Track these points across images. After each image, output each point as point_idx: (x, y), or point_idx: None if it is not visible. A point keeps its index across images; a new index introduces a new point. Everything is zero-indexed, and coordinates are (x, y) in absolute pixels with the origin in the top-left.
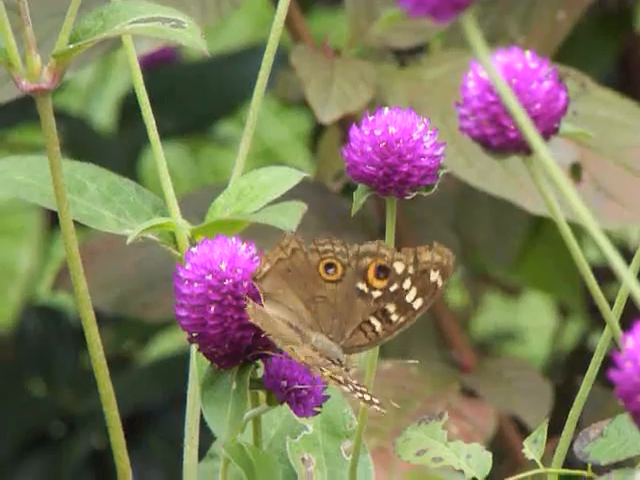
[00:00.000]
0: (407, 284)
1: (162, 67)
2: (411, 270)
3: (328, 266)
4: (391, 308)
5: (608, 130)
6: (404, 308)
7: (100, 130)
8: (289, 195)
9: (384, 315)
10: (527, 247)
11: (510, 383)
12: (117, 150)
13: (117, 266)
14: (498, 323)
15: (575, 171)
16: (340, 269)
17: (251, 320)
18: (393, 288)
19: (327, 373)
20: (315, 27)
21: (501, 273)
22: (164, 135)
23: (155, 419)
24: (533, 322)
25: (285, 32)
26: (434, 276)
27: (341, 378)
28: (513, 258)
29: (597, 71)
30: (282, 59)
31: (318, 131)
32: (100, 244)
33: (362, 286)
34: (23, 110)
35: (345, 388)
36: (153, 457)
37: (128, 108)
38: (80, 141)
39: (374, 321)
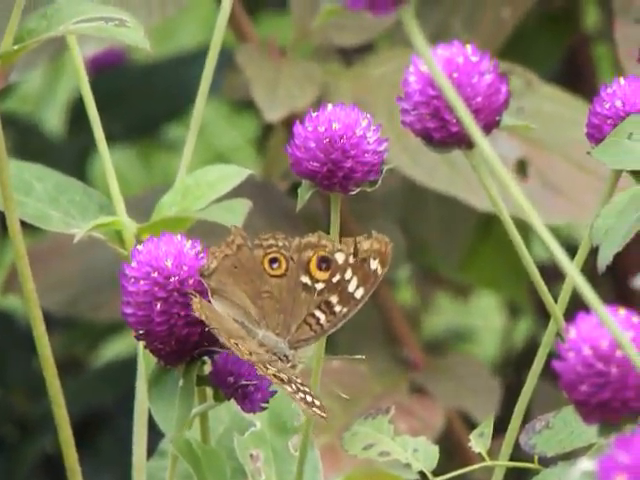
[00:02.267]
0: (349, 274)
1: (110, 71)
2: (352, 260)
3: (272, 261)
4: (334, 299)
5: (554, 126)
6: (347, 298)
7: (50, 135)
8: (236, 195)
9: (328, 307)
10: (475, 246)
11: (459, 380)
12: (66, 154)
13: (66, 268)
14: (449, 323)
15: (521, 167)
16: (284, 263)
17: (196, 314)
18: (335, 279)
19: (271, 371)
20: (262, 31)
21: (449, 272)
22: (113, 139)
23: (107, 422)
24: (484, 322)
25: (232, 35)
26: (374, 264)
27: (285, 376)
28: (461, 257)
29: (544, 69)
30: (230, 62)
31: (266, 133)
32: (49, 246)
33: (305, 279)
34: None
35: (288, 388)
36: (105, 459)
37: (77, 113)
38: (30, 146)
39: (318, 313)
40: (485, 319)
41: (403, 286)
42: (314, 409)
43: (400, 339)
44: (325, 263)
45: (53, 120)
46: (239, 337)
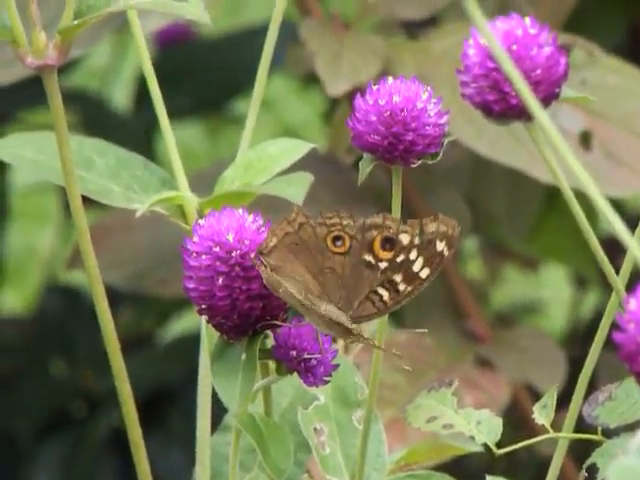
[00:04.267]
0: (413, 254)
1: (179, 45)
2: (417, 241)
3: (336, 239)
4: (398, 278)
5: (617, 98)
6: (411, 278)
7: (117, 110)
8: (301, 169)
9: (391, 285)
10: (543, 218)
11: (525, 352)
12: (134, 129)
13: (132, 243)
14: (518, 296)
15: (585, 139)
16: (348, 241)
17: (266, 282)
18: (399, 259)
19: (354, 327)
20: (327, 5)
21: (517, 244)
22: (181, 113)
23: (175, 397)
24: (553, 294)
25: (297, 10)
26: (440, 246)
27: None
28: (528, 229)
29: (607, 42)
30: (294, 36)
31: (333, 107)
32: (114, 222)
33: (369, 257)
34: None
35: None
36: (173, 434)
37: (144, 87)
38: (97, 121)
39: (382, 291)
40: (554, 291)
41: (471, 259)
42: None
43: (466, 312)
44: (389, 243)
45: (121, 95)
46: (306, 306)
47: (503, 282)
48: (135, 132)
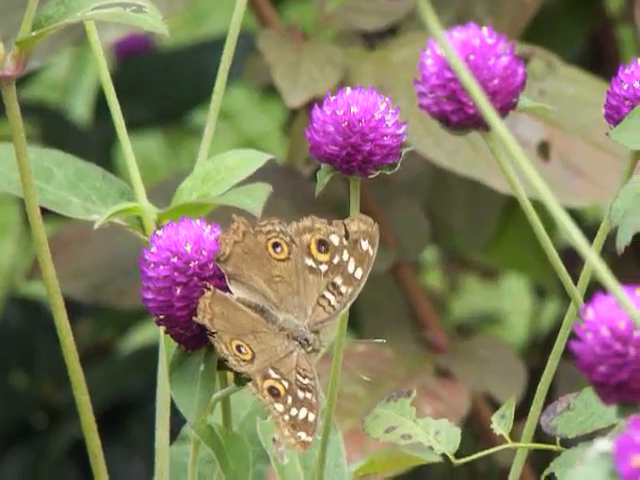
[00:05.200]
0: (345, 255)
1: (137, 57)
2: (345, 242)
3: (275, 245)
4: (339, 280)
5: (576, 108)
6: (349, 279)
7: (77, 122)
8: (260, 180)
9: (335, 288)
10: (503, 229)
11: (484, 362)
12: (93, 140)
13: (91, 254)
14: (478, 306)
15: (543, 149)
16: (286, 247)
17: (199, 317)
18: (335, 260)
19: (267, 384)
20: (286, 17)
21: (476, 255)
22: (141, 125)
23: (135, 408)
24: (513, 305)
25: (256, 21)
26: (365, 245)
27: (281, 388)
28: (488, 240)
29: (567, 52)
30: (253, 46)
31: (293, 118)
32: (73, 233)
33: (310, 262)
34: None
35: (278, 407)
36: (135, 445)
37: (104, 99)
38: (56, 132)
39: (328, 295)
40: (513, 301)
41: (430, 269)
42: (299, 435)
43: (425, 322)
44: (323, 245)
45: (81, 107)
46: (252, 331)
47: (463, 292)
48: (94, 143)
